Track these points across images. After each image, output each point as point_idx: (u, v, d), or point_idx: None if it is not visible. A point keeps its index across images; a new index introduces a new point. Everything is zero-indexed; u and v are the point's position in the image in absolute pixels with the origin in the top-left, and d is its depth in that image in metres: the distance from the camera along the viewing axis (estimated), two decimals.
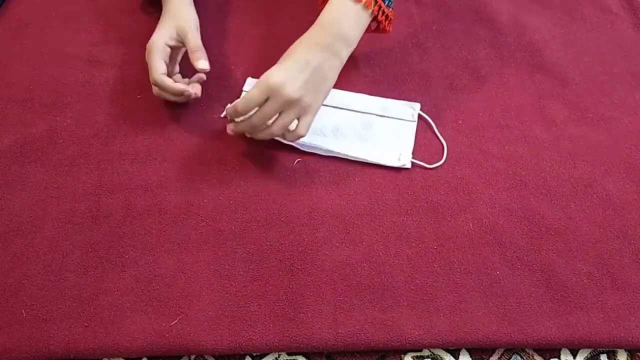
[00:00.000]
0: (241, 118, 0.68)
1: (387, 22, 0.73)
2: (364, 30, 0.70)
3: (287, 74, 0.64)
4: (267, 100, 0.65)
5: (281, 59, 0.67)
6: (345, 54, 0.68)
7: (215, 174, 0.72)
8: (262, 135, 0.69)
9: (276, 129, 0.67)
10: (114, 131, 0.75)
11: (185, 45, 0.75)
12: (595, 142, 0.78)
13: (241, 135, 0.73)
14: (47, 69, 0.80)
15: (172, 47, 0.75)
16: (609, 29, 0.90)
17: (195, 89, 0.75)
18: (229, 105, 0.69)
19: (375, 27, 0.75)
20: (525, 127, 0.78)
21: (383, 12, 0.71)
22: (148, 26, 0.84)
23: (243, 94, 0.77)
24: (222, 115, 0.75)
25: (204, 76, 0.76)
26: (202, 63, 0.73)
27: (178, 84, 0.73)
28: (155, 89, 0.74)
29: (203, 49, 0.74)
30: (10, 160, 0.72)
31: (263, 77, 0.65)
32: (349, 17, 0.67)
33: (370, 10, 0.68)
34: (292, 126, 0.68)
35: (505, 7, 0.91)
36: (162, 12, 0.77)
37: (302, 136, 0.69)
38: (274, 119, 0.67)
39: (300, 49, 0.66)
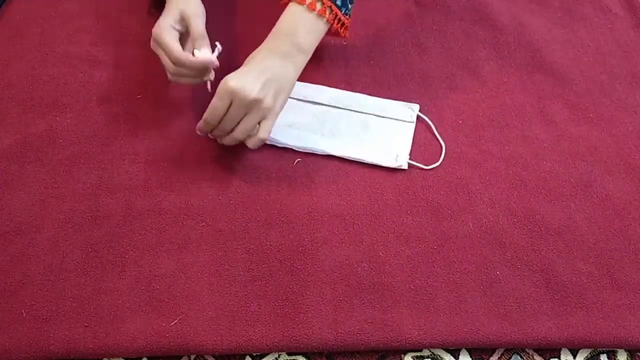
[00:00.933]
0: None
1: (342, 29, 0.74)
2: (321, 37, 0.71)
3: (246, 77, 0.66)
4: (230, 104, 0.66)
5: (242, 66, 0.68)
6: (300, 61, 0.70)
7: (215, 174, 0.72)
8: (227, 141, 0.70)
9: (239, 133, 0.68)
10: (114, 131, 0.75)
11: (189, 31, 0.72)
12: (595, 142, 0.78)
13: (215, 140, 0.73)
14: (47, 69, 0.80)
15: (180, 33, 0.72)
16: (609, 29, 0.90)
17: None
18: (199, 123, 0.70)
19: (334, 30, 0.75)
20: (525, 127, 0.78)
21: (339, 20, 0.72)
22: (148, 26, 0.84)
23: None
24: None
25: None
26: (203, 52, 0.70)
27: (200, 57, 0.70)
28: (172, 73, 0.71)
29: (206, 37, 0.72)
30: (10, 160, 0.72)
31: (222, 84, 0.66)
32: (304, 26, 0.69)
33: (325, 19, 0.70)
34: (254, 131, 0.69)
35: (505, 7, 0.91)
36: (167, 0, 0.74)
37: (264, 140, 0.69)
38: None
39: (258, 56, 0.68)
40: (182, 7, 0.72)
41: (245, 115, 0.67)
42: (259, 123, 0.68)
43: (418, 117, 0.78)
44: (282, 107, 0.70)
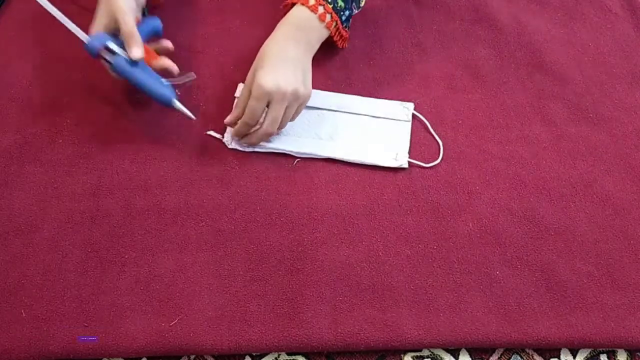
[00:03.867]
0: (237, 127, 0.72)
1: (341, 40, 0.79)
2: (322, 40, 0.75)
3: (277, 74, 0.68)
4: (269, 104, 0.68)
5: (261, 61, 0.69)
6: (310, 47, 0.73)
7: (215, 174, 0.72)
8: (257, 138, 0.72)
9: (282, 125, 0.71)
10: (114, 131, 0.75)
11: None
12: (595, 142, 0.78)
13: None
14: (47, 69, 0.80)
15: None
16: (609, 29, 0.90)
17: (167, 63, 0.72)
18: (229, 129, 0.74)
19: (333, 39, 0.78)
20: (525, 127, 0.78)
21: (339, 34, 0.77)
22: None
23: (236, 101, 0.77)
24: (208, 133, 0.75)
25: (169, 45, 0.74)
26: (134, 51, 0.67)
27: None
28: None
29: (136, 34, 0.68)
30: (9, 160, 0.72)
31: (256, 86, 0.67)
32: (310, 21, 0.72)
33: (324, 23, 0.73)
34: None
35: (505, 7, 0.91)
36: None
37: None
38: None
39: (276, 47, 0.70)
40: (109, 9, 0.69)
41: (286, 108, 0.69)
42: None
43: (414, 115, 0.78)
44: (311, 88, 0.72)
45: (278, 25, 0.72)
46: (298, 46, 0.71)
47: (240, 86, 0.78)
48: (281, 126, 0.71)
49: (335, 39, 0.77)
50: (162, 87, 0.69)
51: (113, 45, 0.69)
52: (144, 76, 0.69)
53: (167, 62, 0.72)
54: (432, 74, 0.83)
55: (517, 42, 0.87)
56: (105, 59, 0.69)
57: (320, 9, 0.72)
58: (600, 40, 0.88)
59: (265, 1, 0.90)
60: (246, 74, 0.80)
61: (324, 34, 0.74)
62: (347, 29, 0.78)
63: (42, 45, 0.82)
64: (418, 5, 0.91)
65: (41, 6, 0.75)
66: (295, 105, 0.70)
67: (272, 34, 0.72)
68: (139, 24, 0.70)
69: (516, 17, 0.90)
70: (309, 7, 0.71)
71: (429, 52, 0.85)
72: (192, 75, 0.73)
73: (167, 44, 0.74)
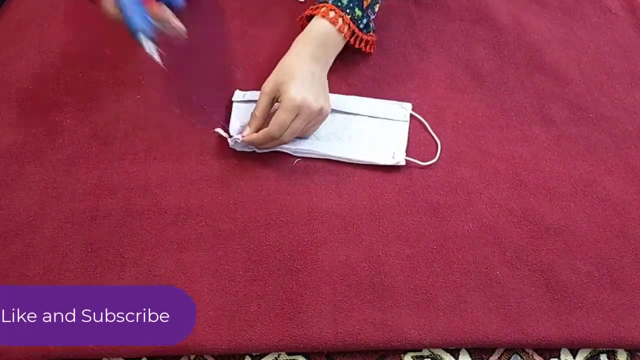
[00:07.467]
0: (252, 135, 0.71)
1: (367, 46, 0.80)
2: (339, 50, 0.76)
3: (307, 90, 0.69)
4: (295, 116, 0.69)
5: (288, 76, 0.69)
6: (327, 66, 0.75)
7: (215, 174, 0.72)
8: (269, 145, 0.72)
9: (296, 136, 0.72)
10: (114, 131, 0.75)
11: None
12: (595, 142, 0.78)
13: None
14: (47, 69, 0.80)
15: None
16: (609, 29, 0.90)
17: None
18: (241, 137, 0.71)
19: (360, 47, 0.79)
20: (525, 127, 0.78)
21: (360, 40, 0.78)
22: None
23: (234, 104, 0.76)
24: (215, 130, 0.74)
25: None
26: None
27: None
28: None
29: None
30: (9, 160, 0.72)
31: (288, 99, 0.67)
32: (331, 36, 0.74)
33: (343, 34, 0.74)
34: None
35: (505, 7, 0.91)
36: None
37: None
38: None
39: (300, 61, 0.71)
40: None
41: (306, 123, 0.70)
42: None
43: (412, 116, 0.78)
44: (330, 106, 0.74)
45: (298, 39, 0.73)
46: (319, 64, 0.73)
47: (238, 92, 0.78)
48: (297, 136, 0.73)
49: (356, 46, 0.78)
50: (138, 17, 0.62)
51: None
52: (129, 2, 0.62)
53: (167, 15, 0.66)
54: (432, 74, 0.83)
55: (517, 42, 0.87)
56: None
57: (340, 21, 0.73)
58: (600, 40, 0.88)
59: (266, 1, 0.90)
60: (246, 74, 0.81)
61: (340, 46, 0.76)
62: (370, 33, 0.79)
63: (42, 45, 0.82)
64: (418, 5, 0.90)
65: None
66: (317, 121, 0.72)
67: (293, 48, 0.73)
68: None
69: (516, 17, 0.90)
70: (329, 20, 0.73)
71: (429, 52, 0.85)
72: (183, 30, 0.67)
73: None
